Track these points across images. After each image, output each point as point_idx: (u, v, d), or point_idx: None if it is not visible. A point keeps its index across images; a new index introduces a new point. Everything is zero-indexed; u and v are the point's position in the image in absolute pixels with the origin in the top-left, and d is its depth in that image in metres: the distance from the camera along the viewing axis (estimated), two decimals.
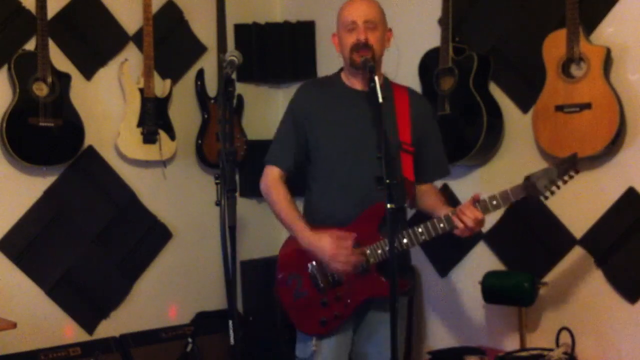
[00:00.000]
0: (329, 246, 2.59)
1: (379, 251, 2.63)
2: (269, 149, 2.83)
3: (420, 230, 2.63)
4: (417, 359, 3.82)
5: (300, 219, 2.71)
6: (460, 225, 2.58)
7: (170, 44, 4.13)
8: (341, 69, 2.86)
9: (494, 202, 2.61)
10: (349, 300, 2.67)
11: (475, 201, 2.59)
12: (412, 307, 3.85)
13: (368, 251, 2.64)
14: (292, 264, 2.75)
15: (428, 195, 2.84)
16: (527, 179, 2.61)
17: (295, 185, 2.84)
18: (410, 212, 3.01)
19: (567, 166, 2.61)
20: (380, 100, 2.45)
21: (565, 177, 2.61)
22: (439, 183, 3.71)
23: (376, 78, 2.50)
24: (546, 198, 2.65)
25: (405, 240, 2.64)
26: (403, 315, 2.85)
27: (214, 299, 4.18)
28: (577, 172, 2.64)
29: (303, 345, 2.75)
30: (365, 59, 2.61)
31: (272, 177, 2.78)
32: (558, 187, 2.62)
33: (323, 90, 2.83)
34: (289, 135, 2.78)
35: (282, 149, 2.79)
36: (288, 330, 2.83)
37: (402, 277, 2.66)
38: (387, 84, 2.83)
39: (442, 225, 2.62)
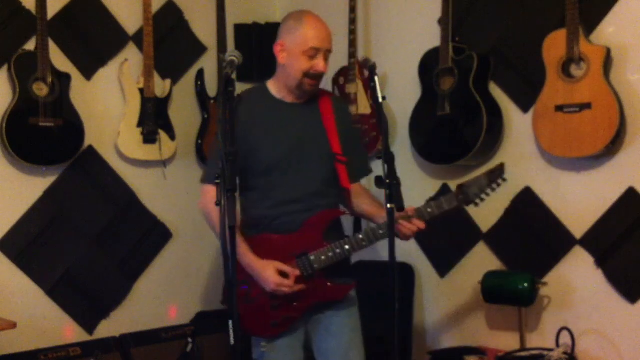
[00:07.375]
0: (272, 279, 2.67)
1: (323, 257, 2.71)
2: (205, 169, 2.86)
3: (361, 237, 2.72)
4: (417, 359, 3.82)
5: (243, 242, 2.72)
6: (402, 234, 2.69)
7: (170, 44, 4.13)
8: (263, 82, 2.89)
9: (429, 210, 2.70)
10: (297, 304, 2.74)
11: (412, 212, 2.67)
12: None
13: (312, 257, 2.72)
14: (242, 271, 2.73)
15: (362, 198, 2.89)
16: (460, 187, 2.73)
17: None
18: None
19: (496, 175, 2.75)
20: (380, 100, 2.50)
21: (494, 186, 2.75)
22: (436, 183, 3.72)
23: (376, 78, 2.52)
24: (476, 205, 2.77)
25: (347, 247, 2.72)
26: (356, 327, 2.89)
27: (214, 299, 4.18)
28: (504, 180, 2.77)
29: (256, 348, 2.82)
30: (366, 59, 2.65)
31: (210, 197, 2.68)
32: (487, 195, 2.75)
33: (252, 104, 2.82)
34: None
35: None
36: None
37: (345, 281, 2.79)
38: (316, 93, 2.86)
39: (382, 232, 2.70)
